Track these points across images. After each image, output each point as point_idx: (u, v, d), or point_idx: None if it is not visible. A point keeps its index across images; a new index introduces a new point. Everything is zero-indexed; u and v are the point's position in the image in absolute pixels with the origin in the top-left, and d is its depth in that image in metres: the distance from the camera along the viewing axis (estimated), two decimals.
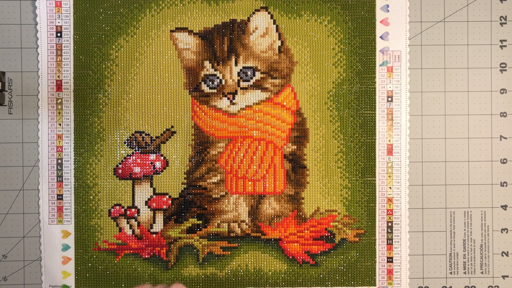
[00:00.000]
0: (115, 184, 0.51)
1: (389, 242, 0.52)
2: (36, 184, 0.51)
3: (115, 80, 0.51)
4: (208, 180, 0.51)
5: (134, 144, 0.51)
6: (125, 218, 0.51)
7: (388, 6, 0.51)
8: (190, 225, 0.51)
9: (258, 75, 0.51)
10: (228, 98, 0.51)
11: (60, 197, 0.51)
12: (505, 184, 0.53)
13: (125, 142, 0.51)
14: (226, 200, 0.51)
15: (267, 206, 0.51)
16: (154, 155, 0.51)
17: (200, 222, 0.51)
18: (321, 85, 0.51)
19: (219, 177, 0.51)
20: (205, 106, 0.51)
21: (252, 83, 0.51)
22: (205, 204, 0.51)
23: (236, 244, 0.52)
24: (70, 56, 0.51)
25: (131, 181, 0.51)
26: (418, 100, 0.52)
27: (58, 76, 0.51)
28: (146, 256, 0.51)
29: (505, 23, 0.52)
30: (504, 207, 0.53)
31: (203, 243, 0.51)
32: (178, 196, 0.51)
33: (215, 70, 0.51)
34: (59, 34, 0.51)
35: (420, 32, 0.52)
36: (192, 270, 0.51)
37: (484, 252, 0.53)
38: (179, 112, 0.51)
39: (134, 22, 0.51)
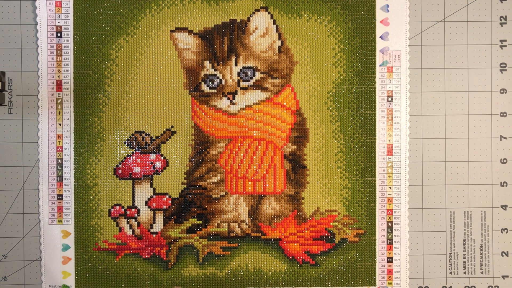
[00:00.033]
0: (115, 184, 0.51)
1: (389, 242, 0.52)
2: (36, 184, 0.51)
3: (115, 80, 0.51)
4: (208, 180, 0.51)
5: (134, 144, 0.51)
6: (125, 218, 0.51)
7: (388, 6, 0.51)
8: (190, 225, 0.51)
9: (258, 75, 0.51)
10: (228, 98, 0.51)
11: (60, 197, 0.51)
12: (505, 184, 0.53)
13: (125, 142, 0.51)
14: (226, 200, 0.51)
15: (267, 206, 0.51)
16: (154, 155, 0.51)
17: (200, 222, 0.51)
18: (321, 85, 0.51)
19: (219, 177, 0.51)
20: (205, 106, 0.51)
21: (252, 83, 0.51)
22: (205, 204, 0.51)
23: (236, 244, 0.52)
24: (70, 56, 0.51)
25: (131, 181, 0.51)
26: (418, 100, 0.52)
27: (58, 76, 0.51)
28: (146, 256, 0.51)
29: (505, 23, 0.52)
30: (504, 207, 0.53)
31: (203, 243, 0.51)
32: (178, 196, 0.51)
33: (215, 70, 0.51)
34: (59, 34, 0.51)
35: (420, 32, 0.52)
36: (192, 270, 0.51)
37: (484, 252, 0.53)
38: (179, 112, 0.51)
39: (134, 22, 0.51)
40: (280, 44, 0.51)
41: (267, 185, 0.51)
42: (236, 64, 0.51)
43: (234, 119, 0.51)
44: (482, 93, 0.52)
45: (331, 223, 0.52)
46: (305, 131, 0.51)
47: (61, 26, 0.51)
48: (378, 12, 0.51)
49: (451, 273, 0.53)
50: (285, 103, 0.51)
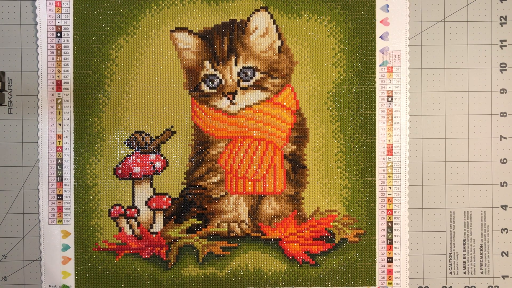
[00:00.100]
0: (115, 184, 0.51)
1: (389, 242, 0.52)
2: (36, 184, 0.51)
3: (115, 80, 0.51)
4: (208, 180, 0.51)
5: (134, 144, 0.51)
6: (125, 218, 0.51)
7: (388, 6, 0.51)
8: (190, 225, 0.51)
9: (258, 75, 0.51)
10: (228, 98, 0.51)
11: (60, 197, 0.51)
12: (505, 184, 0.53)
13: (125, 142, 0.51)
14: (226, 200, 0.51)
15: (267, 206, 0.51)
16: (154, 155, 0.51)
17: (200, 222, 0.51)
18: (321, 85, 0.51)
19: (219, 177, 0.51)
20: (205, 106, 0.51)
21: (252, 83, 0.51)
22: (205, 204, 0.51)
23: (236, 244, 0.52)
24: (70, 56, 0.51)
25: (131, 181, 0.51)
26: (418, 100, 0.52)
27: (58, 76, 0.51)
28: (146, 256, 0.51)
29: (505, 23, 0.52)
30: (504, 207, 0.53)
31: (203, 243, 0.51)
32: (178, 196, 0.51)
33: (215, 70, 0.51)
34: (59, 34, 0.51)
35: (420, 32, 0.52)
36: (192, 270, 0.51)
37: (484, 252, 0.53)
38: (179, 112, 0.51)
39: (134, 22, 0.51)
40: (280, 44, 0.51)
41: (267, 185, 0.51)
42: (236, 64, 0.51)
43: (234, 119, 0.51)
44: (482, 93, 0.52)
45: (331, 223, 0.52)
46: (305, 131, 0.51)
47: (61, 26, 0.51)
48: (378, 12, 0.51)
49: (451, 273, 0.53)
50: (285, 103, 0.51)
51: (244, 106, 0.51)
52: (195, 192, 0.51)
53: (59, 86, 0.51)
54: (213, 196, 0.51)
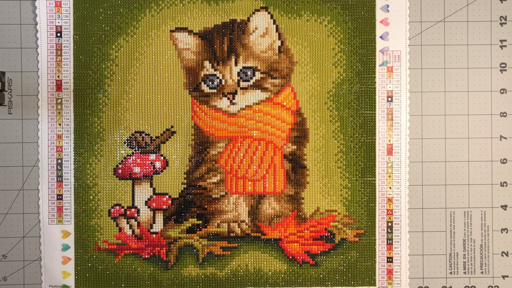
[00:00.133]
0: (115, 184, 0.51)
1: (389, 242, 0.52)
2: (36, 184, 0.51)
3: (115, 80, 0.51)
4: (208, 180, 0.51)
5: (134, 144, 0.51)
6: (125, 218, 0.51)
7: (388, 6, 0.51)
8: (190, 225, 0.51)
9: (258, 75, 0.51)
10: (228, 98, 0.51)
11: (60, 197, 0.51)
12: (505, 184, 0.53)
13: (125, 142, 0.51)
14: (226, 200, 0.51)
15: (267, 206, 0.51)
16: (154, 155, 0.51)
17: (200, 222, 0.51)
18: (321, 85, 0.51)
19: (219, 177, 0.51)
20: (205, 106, 0.51)
21: (252, 83, 0.51)
22: (205, 204, 0.51)
23: (236, 244, 0.52)
24: (70, 56, 0.51)
25: (131, 181, 0.51)
26: (418, 100, 0.52)
27: (58, 76, 0.51)
28: (146, 256, 0.51)
29: (505, 23, 0.52)
30: (504, 207, 0.53)
31: (203, 243, 0.51)
32: (178, 196, 0.51)
33: (215, 70, 0.51)
34: (59, 34, 0.51)
35: (420, 32, 0.52)
36: (192, 270, 0.51)
37: (484, 252, 0.53)
38: (179, 112, 0.51)
39: (134, 22, 0.51)
40: (280, 44, 0.51)
41: (267, 185, 0.51)
42: (236, 64, 0.51)
43: (234, 119, 0.51)
44: (482, 93, 0.52)
45: (331, 223, 0.52)
46: (305, 131, 0.51)
47: (61, 26, 0.51)
48: (378, 12, 0.51)
49: (451, 273, 0.53)
50: (285, 103, 0.51)
51: (244, 106, 0.51)
52: (195, 192, 0.51)
53: (59, 86, 0.51)
54: (213, 196, 0.51)
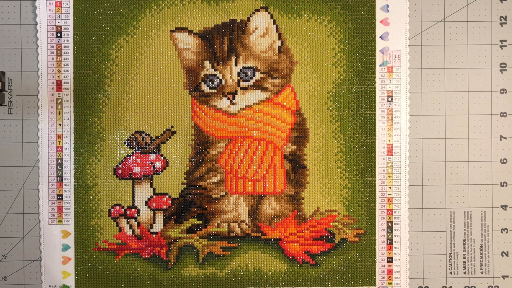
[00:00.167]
0: (115, 184, 0.51)
1: (389, 242, 0.52)
2: (36, 184, 0.51)
3: (115, 80, 0.51)
4: (208, 180, 0.51)
5: (134, 144, 0.51)
6: (125, 218, 0.51)
7: (388, 6, 0.51)
8: (190, 225, 0.51)
9: (258, 75, 0.51)
10: (228, 98, 0.51)
11: (60, 197, 0.51)
12: (505, 184, 0.53)
13: (125, 142, 0.51)
14: (226, 200, 0.51)
15: (267, 206, 0.51)
16: (154, 155, 0.51)
17: (200, 222, 0.51)
18: (321, 85, 0.51)
19: (219, 177, 0.51)
20: (205, 106, 0.51)
21: (252, 83, 0.51)
22: (205, 204, 0.51)
23: (236, 244, 0.52)
24: (70, 56, 0.51)
25: (131, 181, 0.51)
26: (418, 100, 0.52)
27: (58, 76, 0.51)
28: (146, 256, 0.51)
29: (505, 23, 0.52)
30: (504, 207, 0.53)
31: (203, 243, 0.51)
32: (178, 196, 0.51)
33: (215, 70, 0.51)
34: (59, 34, 0.51)
35: (420, 32, 0.52)
36: (192, 270, 0.51)
37: (484, 252, 0.53)
38: (179, 112, 0.51)
39: (134, 22, 0.51)
40: (280, 44, 0.51)
41: (267, 185, 0.51)
42: (236, 64, 0.51)
43: (234, 119, 0.51)
44: (482, 93, 0.52)
45: (331, 223, 0.52)
46: (305, 131, 0.51)
47: (61, 26, 0.51)
48: (378, 12, 0.51)
49: (451, 273, 0.53)
50: (285, 103, 0.51)
51: (244, 106, 0.51)
52: (195, 192, 0.51)
53: (59, 86, 0.51)
54: (213, 196, 0.51)
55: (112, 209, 0.51)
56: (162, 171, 0.51)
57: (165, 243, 0.51)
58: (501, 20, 0.52)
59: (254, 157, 0.51)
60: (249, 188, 0.51)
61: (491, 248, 0.53)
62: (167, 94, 0.51)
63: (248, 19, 0.51)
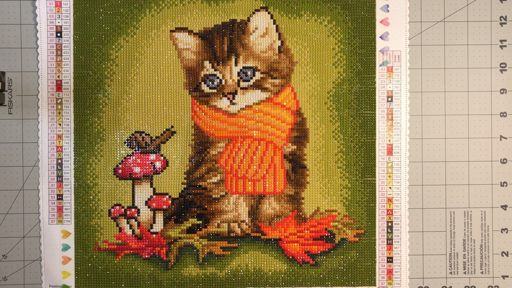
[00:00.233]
0: (115, 184, 0.51)
1: (389, 242, 0.52)
2: (36, 184, 0.51)
3: (115, 80, 0.51)
4: (208, 180, 0.51)
5: (134, 144, 0.51)
6: (125, 218, 0.51)
7: (388, 6, 0.51)
8: (190, 225, 0.51)
9: (258, 75, 0.51)
10: (228, 98, 0.51)
11: (60, 197, 0.51)
12: (505, 184, 0.53)
13: (125, 142, 0.51)
14: (226, 200, 0.51)
15: (267, 206, 0.51)
16: (154, 155, 0.51)
17: (200, 222, 0.51)
18: (321, 85, 0.51)
19: (219, 177, 0.51)
20: (205, 106, 0.51)
21: (252, 83, 0.51)
22: (205, 204, 0.51)
23: (236, 244, 0.52)
24: (70, 56, 0.51)
25: (131, 181, 0.51)
26: (418, 100, 0.52)
27: (58, 76, 0.51)
28: (146, 256, 0.51)
29: (505, 23, 0.52)
30: (504, 207, 0.53)
31: (203, 243, 0.51)
32: (178, 196, 0.51)
33: (215, 70, 0.51)
34: (59, 34, 0.51)
35: (420, 32, 0.52)
36: (192, 270, 0.51)
37: (484, 252, 0.53)
38: (179, 112, 0.51)
39: (134, 22, 0.51)
40: (280, 44, 0.51)
41: (267, 185, 0.51)
42: (236, 64, 0.51)
43: (234, 119, 0.51)
44: (482, 93, 0.52)
45: (331, 223, 0.52)
46: (305, 131, 0.51)
47: (61, 26, 0.51)
48: (378, 12, 0.51)
49: (451, 273, 0.53)
50: (285, 103, 0.51)
51: (244, 106, 0.51)
52: (195, 192, 0.51)
53: (59, 86, 0.51)
54: (213, 196, 0.51)
55: (112, 209, 0.51)
56: (162, 171, 0.51)
57: (165, 243, 0.51)
58: (501, 20, 0.52)
59: (254, 157, 0.51)
60: (249, 188, 0.51)
61: (491, 248, 0.53)
62: (167, 94, 0.51)
63: (248, 19, 0.51)
